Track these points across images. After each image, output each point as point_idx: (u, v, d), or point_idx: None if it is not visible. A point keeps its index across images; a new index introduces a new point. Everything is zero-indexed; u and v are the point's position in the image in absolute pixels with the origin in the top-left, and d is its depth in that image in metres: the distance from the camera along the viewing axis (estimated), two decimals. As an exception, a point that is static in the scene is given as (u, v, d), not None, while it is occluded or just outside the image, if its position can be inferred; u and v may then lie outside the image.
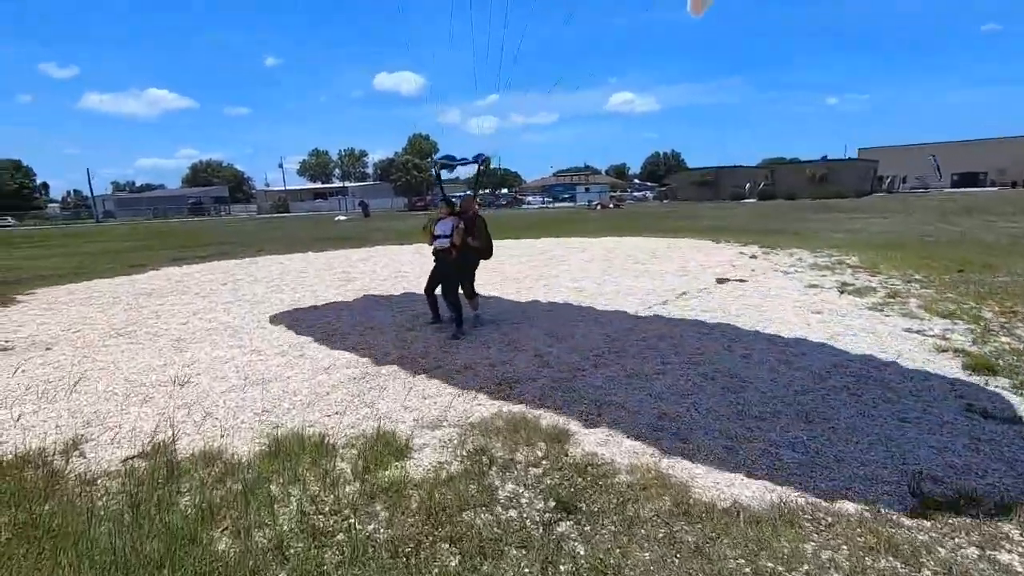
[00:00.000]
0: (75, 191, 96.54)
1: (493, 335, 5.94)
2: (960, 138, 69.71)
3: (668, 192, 67.93)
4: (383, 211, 57.82)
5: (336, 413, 3.94)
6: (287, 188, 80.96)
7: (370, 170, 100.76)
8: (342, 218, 43.12)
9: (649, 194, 71.58)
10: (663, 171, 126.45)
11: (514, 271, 10.57)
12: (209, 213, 71.52)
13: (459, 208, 6.35)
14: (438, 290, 6.42)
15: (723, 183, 60.22)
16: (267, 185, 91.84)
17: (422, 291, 6.61)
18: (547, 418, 3.69)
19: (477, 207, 6.52)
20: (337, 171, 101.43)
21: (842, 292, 7.51)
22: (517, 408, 3.89)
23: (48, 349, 6.00)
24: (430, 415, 3.84)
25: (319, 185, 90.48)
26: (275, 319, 7.12)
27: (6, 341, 6.44)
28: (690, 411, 3.75)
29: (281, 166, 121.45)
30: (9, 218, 62.09)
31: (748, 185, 58.72)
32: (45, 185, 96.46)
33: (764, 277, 8.98)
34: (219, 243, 21.03)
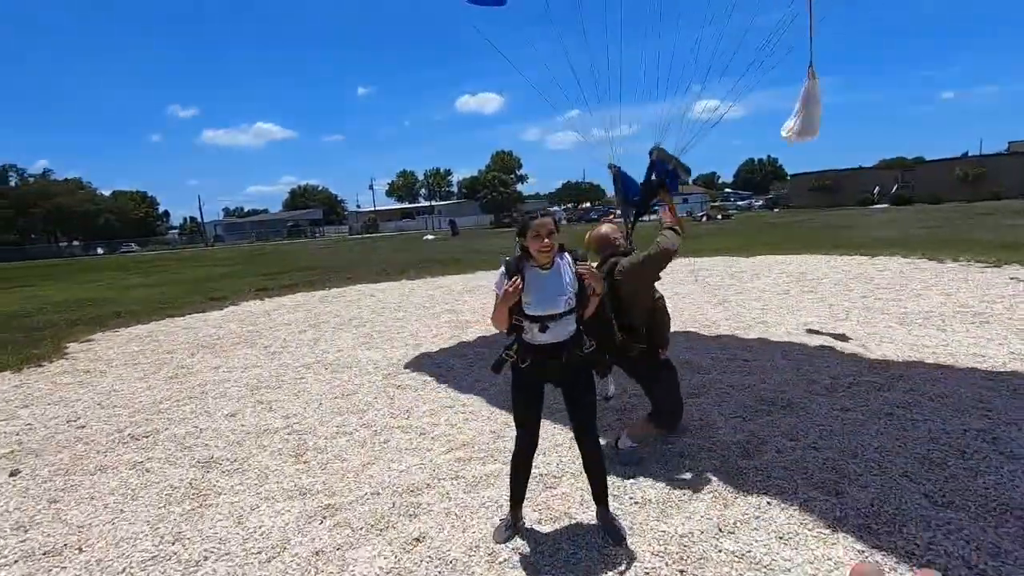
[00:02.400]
0: (191, 218, 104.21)
1: (796, 479, 2.88)
2: None
3: (778, 199, 61.58)
4: (470, 228, 56.41)
5: None
6: (376, 209, 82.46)
7: (455, 188, 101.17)
8: (430, 237, 41.81)
9: (755, 202, 65.36)
10: (759, 178, 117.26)
11: (687, 305, 7.44)
12: (305, 235, 73.92)
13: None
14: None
15: (846, 187, 53.30)
16: (358, 207, 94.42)
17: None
18: None
19: (618, 241, 3.35)
20: (423, 191, 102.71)
21: None
22: None
23: (13, 475, 3.67)
24: None
25: (407, 205, 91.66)
26: (366, 411, 4.48)
27: (-20, 444, 4.24)
28: None
29: (371, 187, 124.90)
30: (133, 245, 67.20)
31: (877, 189, 51.52)
32: (166, 213, 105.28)
33: None
34: (309, 268, 19.52)
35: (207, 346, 7.34)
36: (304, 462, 3.52)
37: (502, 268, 2.43)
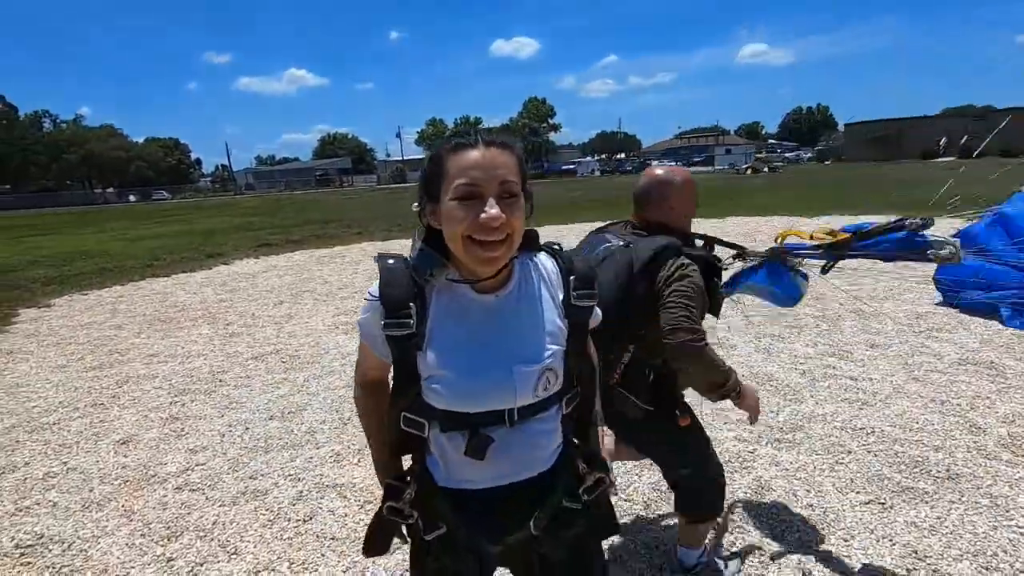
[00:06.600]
0: (222, 166, 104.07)
1: None
2: None
3: (828, 152, 57.40)
4: (499, 180, 54.30)
5: None
6: (404, 159, 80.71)
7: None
8: (458, 188, 40.17)
9: (803, 154, 61.02)
10: (806, 129, 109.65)
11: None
12: (333, 184, 72.95)
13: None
14: None
15: (907, 139, 49.04)
16: (387, 156, 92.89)
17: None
18: None
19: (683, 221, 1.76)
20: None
21: None
22: None
23: None
24: None
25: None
26: (301, 448, 3.18)
27: None
28: None
29: (399, 136, 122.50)
30: (164, 192, 67.40)
31: (943, 140, 47.17)
32: (198, 161, 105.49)
33: None
34: (324, 221, 18.38)
35: (164, 320, 6.17)
36: (169, 559, 2.24)
37: (372, 290, 0.99)
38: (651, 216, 1.70)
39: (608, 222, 1.85)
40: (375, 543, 1.10)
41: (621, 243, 1.63)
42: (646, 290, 1.54)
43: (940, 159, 43.41)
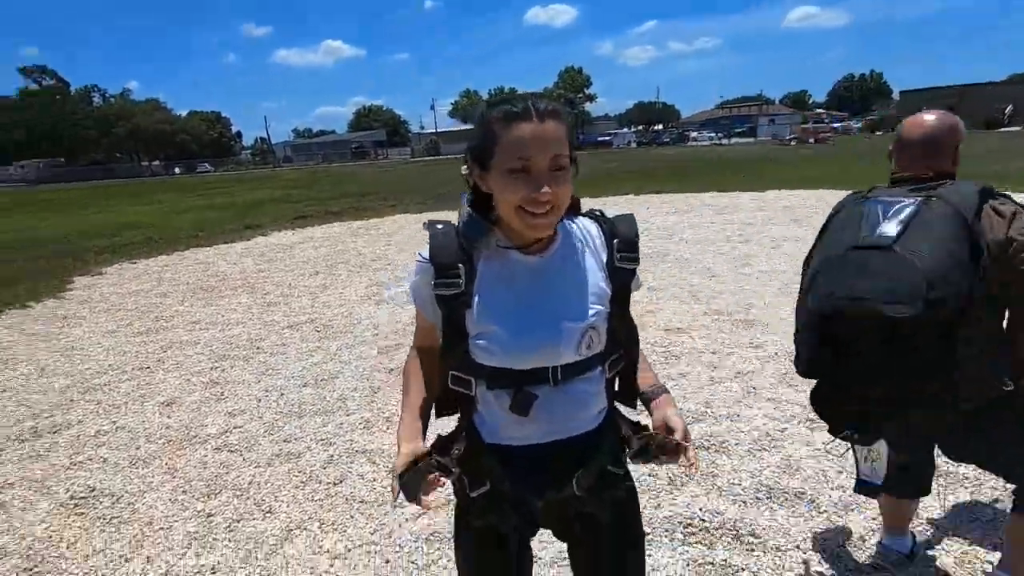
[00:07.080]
0: (261, 139, 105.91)
1: None
2: None
3: (880, 122, 54.39)
4: (534, 152, 53.52)
5: None
6: (438, 131, 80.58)
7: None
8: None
9: (853, 124, 58.01)
10: (858, 97, 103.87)
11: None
12: (368, 157, 73.48)
13: None
14: None
15: (969, 106, 45.85)
16: (422, 128, 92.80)
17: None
18: None
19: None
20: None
21: None
22: None
23: None
24: None
25: (471, 126, 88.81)
26: (333, 414, 3.28)
27: None
28: None
29: (432, 108, 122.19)
30: (207, 165, 69.23)
31: (1009, 108, 44.10)
32: (239, 134, 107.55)
33: None
34: (361, 194, 18.60)
35: (206, 289, 6.40)
36: (209, 515, 2.36)
37: (423, 252, 1.02)
38: (942, 164, 1.51)
39: (868, 188, 1.58)
40: (405, 494, 0.99)
41: (918, 200, 1.40)
42: (987, 240, 1.34)
43: (1004, 128, 40.67)
